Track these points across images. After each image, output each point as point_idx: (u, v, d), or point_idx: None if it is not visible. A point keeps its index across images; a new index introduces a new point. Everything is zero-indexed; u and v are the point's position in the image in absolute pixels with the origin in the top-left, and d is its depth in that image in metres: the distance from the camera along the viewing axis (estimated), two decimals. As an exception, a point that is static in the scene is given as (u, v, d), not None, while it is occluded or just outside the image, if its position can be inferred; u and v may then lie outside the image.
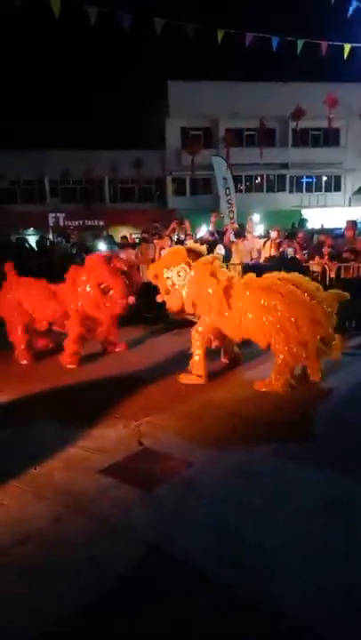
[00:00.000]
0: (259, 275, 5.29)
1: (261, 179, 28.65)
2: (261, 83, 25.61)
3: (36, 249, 12.42)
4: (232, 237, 10.42)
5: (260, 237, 11.58)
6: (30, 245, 13.09)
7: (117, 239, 13.24)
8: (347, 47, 9.80)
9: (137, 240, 12.78)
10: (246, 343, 6.10)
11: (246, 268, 7.39)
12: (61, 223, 24.12)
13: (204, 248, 5.70)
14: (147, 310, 8.73)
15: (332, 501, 2.98)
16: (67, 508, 2.98)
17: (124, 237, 12.80)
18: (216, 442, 3.85)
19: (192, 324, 5.62)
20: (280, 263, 7.81)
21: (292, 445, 3.77)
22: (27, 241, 14.41)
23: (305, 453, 3.62)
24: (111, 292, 5.86)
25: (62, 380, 5.52)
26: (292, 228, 15.71)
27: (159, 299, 5.64)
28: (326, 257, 8.10)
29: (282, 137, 28.09)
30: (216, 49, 9.49)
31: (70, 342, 6.11)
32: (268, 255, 9.39)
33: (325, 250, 8.41)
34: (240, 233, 10.66)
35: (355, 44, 9.89)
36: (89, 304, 5.93)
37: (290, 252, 9.48)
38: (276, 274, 5.20)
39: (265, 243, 10.08)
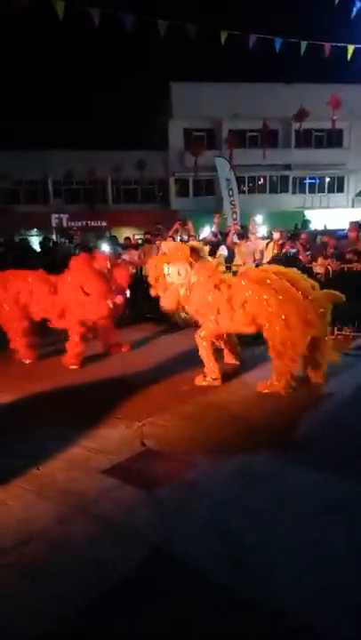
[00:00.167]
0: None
1: (264, 180, 28.63)
2: (264, 84, 25.62)
3: (39, 249, 12.44)
4: (235, 239, 10.42)
5: (262, 239, 11.57)
6: (32, 247, 13.12)
7: (121, 240, 13.26)
8: (350, 48, 9.80)
9: (140, 241, 12.80)
10: (248, 344, 6.13)
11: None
12: (64, 224, 24.18)
13: (206, 248, 5.65)
14: (150, 311, 8.76)
15: (333, 504, 2.99)
16: (69, 509, 2.99)
17: (127, 238, 12.83)
18: (218, 443, 3.85)
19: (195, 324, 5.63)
20: (283, 264, 7.80)
21: (293, 448, 3.77)
22: (30, 241, 14.45)
23: (306, 456, 3.62)
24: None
25: (65, 380, 5.54)
26: (295, 230, 15.71)
27: (153, 293, 5.52)
28: (329, 258, 8.08)
29: (285, 138, 28.07)
30: (219, 50, 9.52)
31: (72, 343, 6.11)
32: (270, 256, 9.38)
33: (329, 251, 8.40)
34: (243, 234, 10.66)
35: (358, 45, 9.88)
36: (75, 306, 5.93)
37: (292, 252, 9.48)
38: (272, 267, 5.18)
39: (268, 244, 10.07)
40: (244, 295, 4.94)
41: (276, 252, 9.35)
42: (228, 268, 6.53)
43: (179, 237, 10.93)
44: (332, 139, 27.05)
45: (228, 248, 9.71)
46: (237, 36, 9.30)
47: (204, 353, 5.29)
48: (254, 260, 9.68)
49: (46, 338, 6.84)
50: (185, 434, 4.08)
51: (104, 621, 2.17)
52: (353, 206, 27.70)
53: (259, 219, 17.91)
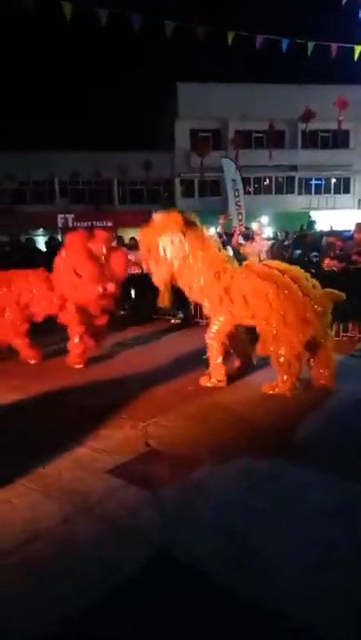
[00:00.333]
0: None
1: (270, 180, 28.61)
2: (271, 85, 25.60)
3: (45, 249, 12.48)
4: (240, 240, 10.42)
5: (268, 239, 11.57)
6: (38, 247, 13.16)
7: (126, 240, 13.27)
8: (357, 49, 9.77)
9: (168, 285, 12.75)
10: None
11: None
12: (70, 224, 24.24)
13: (197, 220, 5.21)
14: (154, 311, 8.79)
15: (337, 506, 2.97)
16: (74, 508, 2.99)
17: (133, 239, 12.82)
18: (223, 444, 3.85)
19: (200, 324, 5.61)
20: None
21: (297, 450, 3.76)
22: (36, 241, 14.50)
23: (311, 458, 3.61)
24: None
25: (69, 380, 5.55)
26: (300, 230, 15.67)
27: (145, 267, 5.31)
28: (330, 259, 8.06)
29: (291, 139, 28.04)
30: (226, 51, 9.51)
31: (74, 343, 6.11)
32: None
33: (335, 252, 8.38)
34: (248, 235, 10.66)
35: (366, 46, 9.85)
36: (66, 286, 5.74)
37: (298, 254, 9.48)
38: (276, 263, 5.13)
39: (272, 245, 10.07)
40: (246, 287, 4.87)
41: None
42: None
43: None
44: (339, 140, 26.99)
45: (233, 249, 9.71)
46: (244, 37, 9.30)
47: (214, 353, 5.19)
48: (260, 261, 9.68)
49: (50, 338, 6.87)
50: (189, 434, 4.08)
51: (106, 622, 2.17)
52: (359, 207, 27.62)
53: (264, 219, 17.88)
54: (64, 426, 4.24)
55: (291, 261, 8.26)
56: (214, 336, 5.17)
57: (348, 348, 6.48)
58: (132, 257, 9.47)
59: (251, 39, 9.40)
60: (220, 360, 5.20)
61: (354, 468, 3.42)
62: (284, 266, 5.08)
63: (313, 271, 5.41)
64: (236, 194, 18.05)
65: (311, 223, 18.12)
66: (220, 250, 5.24)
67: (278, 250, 10.00)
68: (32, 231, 22.73)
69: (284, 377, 4.85)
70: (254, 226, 10.91)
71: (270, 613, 2.18)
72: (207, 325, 5.39)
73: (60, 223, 24.76)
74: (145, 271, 8.40)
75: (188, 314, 8.59)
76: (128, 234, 18.62)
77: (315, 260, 9.54)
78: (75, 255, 5.67)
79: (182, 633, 2.12)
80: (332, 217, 22.89)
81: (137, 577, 2.42)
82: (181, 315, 8.77)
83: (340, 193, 28.95)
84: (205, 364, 5.32)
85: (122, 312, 9.49)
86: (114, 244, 5.99)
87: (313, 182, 28.99)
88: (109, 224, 24.19)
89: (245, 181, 21.93)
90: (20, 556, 2.60)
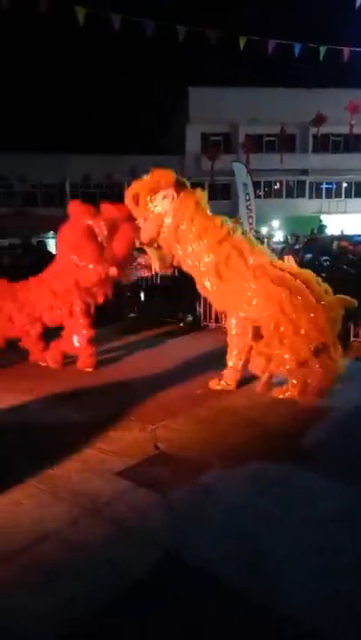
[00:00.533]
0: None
1: (281, 184, 28.57)
2: (282, 89, 25.63)
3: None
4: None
5: (278, 243, 11.55)
6: (49, 250, 13.23)
7: (137, 244, 13.30)
8: (370, 53, 9.75)
9: (155, 245, 12.80)
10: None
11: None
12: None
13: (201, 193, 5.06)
14: (163, 314, 8.81)
15: (345, 511, 2.96)
16: (84, 510, 3.00)
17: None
18: (232, 448, 3.84)
19: (210, 327, 5.58)
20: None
21: (307, 454, 3.74)
22: (47, 244, 14.57)
23: (320, 463, 3.59)
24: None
25: (79, 382, 5.57)
26: (311, 234, 15.62)
27: (138, 217, 5.03)
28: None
29: (302, 143, 28.00)
30: (237, 55, 9.55)
31: (82, 347, 6.11)
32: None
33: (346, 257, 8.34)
34: (258, 238, 10.64)
35: (378, 50, 9.84)
36: (68, 265, 5.55)
37: (308, 257, 9.44)
38: (287, 266, 5.03)
39: (283, 249, 10.04)
40: (258, 290, 4.76)
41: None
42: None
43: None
44: (350, 144, 26.91)
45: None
46: (256, 41, 9.33)
47: (234, 353, 4.97)
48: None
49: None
50: (199, 438, 4.07)
51: (115, 624, 2.17)
52: (370, 212, 27.46)
53: (275, 223, 17.90)
54: (73, 427, 4.25)
55: (301, 265, 8.25)
56: (237, 328, 4.96)
57: (355, 352, 6.44)
58: (141, 260, 9.50)
59: (263, 44, 9.42)
60: (235, 364, 5.08)
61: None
62: (295, 269, 5.02)
63: (324, 275, 5.38)
64: (247, 197, 17.99)
65: (322, 227, 18.05)
66: (222, 224, 4.95)
67: (289, 254, 9.94)
68: (43, 234, 22.88)
69: (294, 381, 4.81)
70: (264, 230, 10.90)
71: (279, 617, 2.17)
72: (219, 328, 5.33)
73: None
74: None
75: (196, 317, 8.59)
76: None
77: (325, 264, 9.50)
78: (76, 233, 5.43)
79: (191, 636, 2.11)
80: (343, 221, 22.79)
81: (146, 579, 2.41)
82: (190, 318, 8.77)
83: (351, 197, 28.82)
84: (214, 367, 5.31)
85: (131, 315, 9.53)
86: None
87: (324, 186, 28.90)
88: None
89: (256, 185, 21.88)
90: (29, 556, 2.60)
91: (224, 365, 5.23)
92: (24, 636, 2.13)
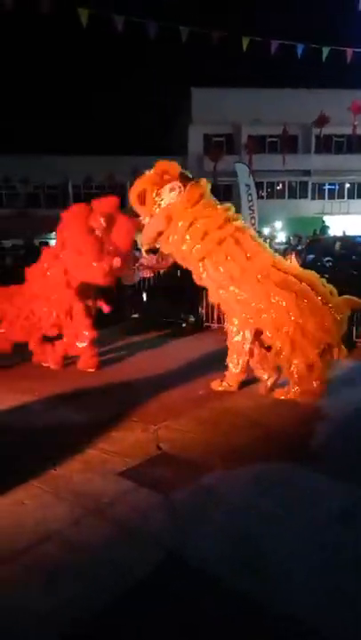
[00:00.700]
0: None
1: (283, 185, 28.55)
2: (285, 89, 25.62)
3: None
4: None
5: (280, 244, 11.54)
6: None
7: (139, 244, 13.32)
8: (373, 54, 9.74)
9: (157, 245, 12.81)
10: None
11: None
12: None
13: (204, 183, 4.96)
14: (166, 315, 8.80)
15: (348, 512, 2.96)
16: (86, 510, 3.00)
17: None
18: (234, 449, 3.83)
19: (212, 328, 5.57)
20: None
21: (309, 455, 3.73)
22: (50, 245, 14.61)
23: (322, 463, 3.58)
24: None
25: (81, 383, 5.57)
26: (313, 235, 15.62)
27: (141, 215, 5.00)
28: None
29: (305, 144, 27.98)
30: (240, 56, 9.54)
31: (85, 347, 6.12)
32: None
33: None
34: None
35: (381, 50, 9.82)
36: (71, 267, 5.50)
37: (311, 258, 9.43)
38: (291, 267, 4.99)
39: (285, 251, 10.03)
40: (263, 294, 4.69)
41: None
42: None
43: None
44: (353, 144, 26.84)
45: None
46: (258, 42, 9.33)
47: (234, 357, 4.99)
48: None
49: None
50: (201, 438, 4.07)
51: (117, 625, 2.16)
52: (373, 212, 27.41)
53: (277, 224, 17.86)
54: (75, 428, 4.25)
55: (304, 266, 8.23)
56: (238, 330, 4.95)
57: (360, 352, 6.43)
58: (143, 261, 9.50)
59: (265, 44, 9.42)
60: (235, 367, 5.07)
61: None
62: (298, 270, 4.99)
63: (326, 276, 5.37)
64: (250, 198, 18.00)
65: (324, 228, 18.06)
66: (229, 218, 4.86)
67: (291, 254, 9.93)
68: (46, 235, 22.93)
69: (295, 382, 4.80)
70: (265, 231, 10.89)
71: (280, 617, 2.17)
72: (221, 329, 5.31)
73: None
74: (159, 272, 8.41)
75: (199, 318, 8.59)
76: (138, 238, 18.70)
77: (328, 265, 9.49)
78: (72, 234, 5.40)
79: (191, 636, 2.11)
80: (345, 222, 22.75)
81: (148, 580, 2.41)
82: (193, 319, 8.77)
83: (353, 198, 28.78)
84: (216, 368, 5.31)
85: (133, 316, 9.54)
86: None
87: (327, 187, 28.86)
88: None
89: (258, 186, 21.89)
90: (31, 556, 2.61)
91: (226, 366, 5.22)
92: (25, 636, 2.13)
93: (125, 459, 3.66)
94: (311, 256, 10.70)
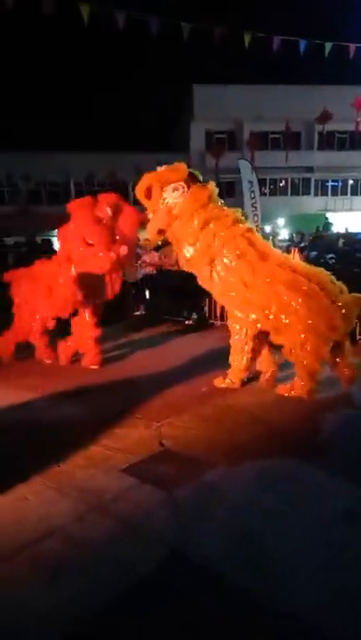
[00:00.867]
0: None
1: (286, 182, 28.48)
2: (287, 86, 25.53)
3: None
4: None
5: (283, 241, 11.52)
6: (54, 248, 13.26)
7: (141, 241, 13.31)
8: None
9: (160, 242, 12.82)
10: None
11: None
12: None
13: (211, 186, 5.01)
14: (167, 312, 8.81)
15: (352, 509, 2.95)
16: (89, 506, 3.00)
17: (148, 240, 12.87)
18: (237, 445, 3.83)
19: (215, 325, 5.56)
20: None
21: (313, 452, 3.72)
22: (52, 242, 14.62)
23: (326, 460, 3.57)
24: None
25: (84, 380, 5.58)
26: (316, 232, 15.59)
27: (148, 211, 5.05)
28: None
29: (307, 140, 27.90)
30: (242, 52, 9.50)
31: (90, 345, 6.13)
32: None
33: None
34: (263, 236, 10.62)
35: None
36: (77, 259, 5.49)
37: (313, 255, 9.42)
38: (301, 266, 5.00)
39: (288, 247, 10.02)
40: (273, 295, 4.70)
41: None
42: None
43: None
44: (356, 141, 26.75)
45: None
46: (260, 38, 9.28)
47: (237, 356, 5.03)
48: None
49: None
50: (204, 435, 4.07)
51: (118, 624, 2.16)
52: (376, 209, 27.35)
53: (280, 221, 17.81)
54: (78, 425, 4.25)
55: (307, 263, 8.21)
56: (240, 340, 4.99)
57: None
58: (146, 257, 9.51)
59: (268, 41, 9.38)
60: (239, 364, 5.09)
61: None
62: (307, 269, 4.97)
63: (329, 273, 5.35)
64: (252, 195, 17.93)
65: (327, 225, 18.02)
66: (236, 220, 4.87)
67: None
68: (48, 232, 22.93)
69: (303, 379, 4.80)
70: (267, 229, 10.88)
71: (280, 614, 2.17)
72: (224, 326, 5.33)
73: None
74: (161, 269, 8.40)
75: (202, 315, 8.58)
76: (143, 234, 18.71)
77: (331, 262, 9.48)
78: (80, 224, 5.44)
79: (192, 634, 2.11)
80: (348, 219, 22.70)
81: (151, 577, 2.41)
82: (195, 316, 8.77)
83: (356, 194, 28.71)
84: (220, 365, 5.30)
85: (136, 313, 9.54)
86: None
87: (329, 184, 28.79)
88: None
89: (261, 183, 21.80)
90: (34, 552, 2.61)
91: (229, 364, 5.22)
92: (27, 634, 2.12)
93: (128, 455, 3.67)
94: (314, 253, 10.69)
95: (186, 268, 5.12)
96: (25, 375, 5.81)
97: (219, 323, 8.16)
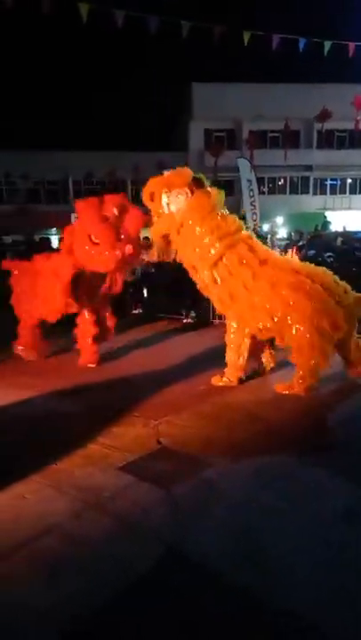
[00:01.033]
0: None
1: (285, 181, 28.46)
2: (286, 84, 25.48)
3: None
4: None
5: (281, 239, 11.53)
6: (52, 246, 13.25)
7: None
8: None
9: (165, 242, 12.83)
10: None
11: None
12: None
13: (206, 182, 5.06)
14: (165, 310, 8.82)
15: (350, 506, 2.95)
16: (86, 504, 3.00)
17: (146, 238, 12.88)
18: (235, 443, 3.83)
19: (215, 324, 5.58)
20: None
21: (311, 449, 3.72)
22: (51, 240, 14.61)
23: (325, 458, 3.57)
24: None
25: (82, 378, 5.57)
26: (315, 231, 15.58)
27: (152, 218, 5.14)
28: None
29: (306, 139, 27.86)
30: (241, 51, 9.49)
31: (87, 343, 6.13)
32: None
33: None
34: (262, 236, 10.63)
35: (383, 44, 9.76)
36: (82, 257, 5.56)
37: (311, 254, 9.40)
38: (304, 267, 5.04)
39: (286, 246, 10.03)
40: (278, 299, 4.77)
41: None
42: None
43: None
44: (355, 139, 26.71)
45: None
46: (259, 37, 9.27)
47: (231, 354, 5.09)
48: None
49: (63, 337, 6.90)
50: (202, 433, 4.07)
51: (117, 622, 2.16)
52: (375, 208, 27.33)
53: (279, 220, 17.79)
54: (76, 423, 4.26)
55: (305, 262, 8.20)
56: (237, 330, 5.05)
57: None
58: (145, 256, 9.49)
59: (267, 39, 9.37)
60: (234, 362, 5.13)
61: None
62: (311, 269, 5.00)
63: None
64: (251, 194, 17.92)
65: (326, 223, 17.98)
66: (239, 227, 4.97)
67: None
68: (46, 230, 22.91)
69: (302, 377, 4.82)
70: (265, 227, 10.88)
71: (279, 612, 2.17)
72: (222, 324, 5.36)
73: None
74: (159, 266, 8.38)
75: (201, 313, 8.59)
76: (141, 233, 18.73)
77: (329, 260, 9.46)
78: (87, 222, 5.53)
79: (190, 632, 2.11)
80: (347, 217, 22.69)
81: (149, 575, 2.41)
82: (194, 314, 8.78)
83: (356, 193, 28.69)
84: (218, 363, 5.31)
85: (134, 312, 9.54)
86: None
87: (328, 182, 28.77)
88: (123, 223, 24.21)
89: (260, 181, 21.79)
90: (32, 550, 2.61)
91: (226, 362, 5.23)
92: (25, 632, 2.12)
93: (126, 453, 3.67)
94: (312, 252, 10.68)
95: (191, 274, 5.17)
96: (22, 374, 5.80)
97: (217, 321, 8.17)
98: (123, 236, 5.48)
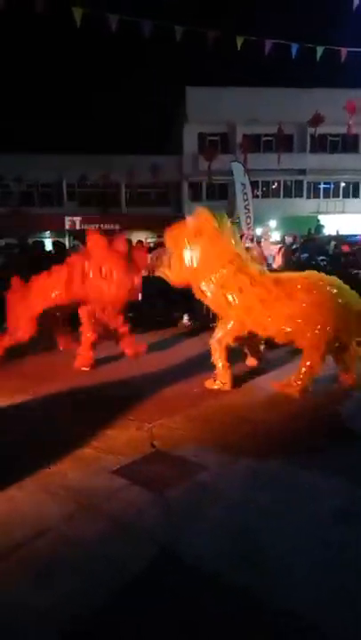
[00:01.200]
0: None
1: (278, 184, 28.60)
2: (280, 89, 25.63)
3: (53, 252, 12.53)
4: (248, 243, 10.42)
5: (275, 243, 11.58)
6: (46, 250, 13.23)
7: (133, 243, 13.31)
8: (367, 53, 9.76)
9: (152, 244, 12.86)
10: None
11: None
12: (78, 226, 24.33)
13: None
14: (160, 314, 8.81)
15: (346, 507, 2.97)
16: (80, 507, 3.01)
17: (140, 242, 12.89)
18: (229, 446, 3.85)
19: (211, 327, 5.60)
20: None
21: (306, 451, 3.75)
22: (44, 244, 14.57)
23: (320, 460, 3.60)
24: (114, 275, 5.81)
25: (76, 381, 5.57)
26: (308, 234, 15.67)
27: (161, 271, 5.44)
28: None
29: (300, 143, 28.03)
30: (235, 55, 9.55)
31: (84, 347, 6.16)
32: (280, 263, 9.31)
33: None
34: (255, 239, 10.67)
35: (375, 50, 9.85)
36: (93, 290, 5.90)
37: (305, 257, 9.46)
38: (314, 277, 5.10)
39: (280, 249, 10.06)
40: (290, 303, 4.86)
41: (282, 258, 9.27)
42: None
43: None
44: (348, 144, 26.96)
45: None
46: (253, 42, 9.34)
47: (216, 356, 5.22)
48: (267, 266, 9.67)
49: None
50: (195, 436, 4.08)
51: (117, 621, 2.17)
52: (368, 211, 27.50)
53: (272, 223, 17.85)
54: (70, 426, 4.25)
55: (298, 265, 8.27)
56: (221, 338, 5.20)
57: None
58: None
59: (259, 43, 9.43)
60: (225, 363, 5.21)
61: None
62: (323, 277, 5.05)
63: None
64: (245, 198, 17.99)
65: (319, 227, 18.10)
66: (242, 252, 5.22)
67: (286, 254, 9.97)
68: (40, 233, 22.87)
69: (299, 379, 4.86)
70: (259, 231, 10.93)
71: (279, 612, 2.18)
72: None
73: (67, 226, 24.86)
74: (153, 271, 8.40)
75: (197, 318, 8.59)
76: (135, 237, 18.71)
77: (322, 264, 9.53)
78: (101, 256, 5.90)
79: (188, 632, 2.12)
80: (341, 221, 22.83)
81: (143, 575, 2.42)
82: (188, 318, 8.78)
83: (348, 197, 28.88)
84: (212, 367, 5.32)
85: (128, 315, 9.51)
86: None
87: (322, 186, 28.94)
88: (117, 227, 24.29)
89: (253, 185, 21.87)
90: (26, 552, 2.61)
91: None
92: (25, 632, 2.13)
93: (119, 457, 3.67)
94: (305, 255, 10.74)
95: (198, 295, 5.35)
96: (16, 377, 5.79)
97: (213, 325, 8.17)
98: (134, 269, 5.98)
